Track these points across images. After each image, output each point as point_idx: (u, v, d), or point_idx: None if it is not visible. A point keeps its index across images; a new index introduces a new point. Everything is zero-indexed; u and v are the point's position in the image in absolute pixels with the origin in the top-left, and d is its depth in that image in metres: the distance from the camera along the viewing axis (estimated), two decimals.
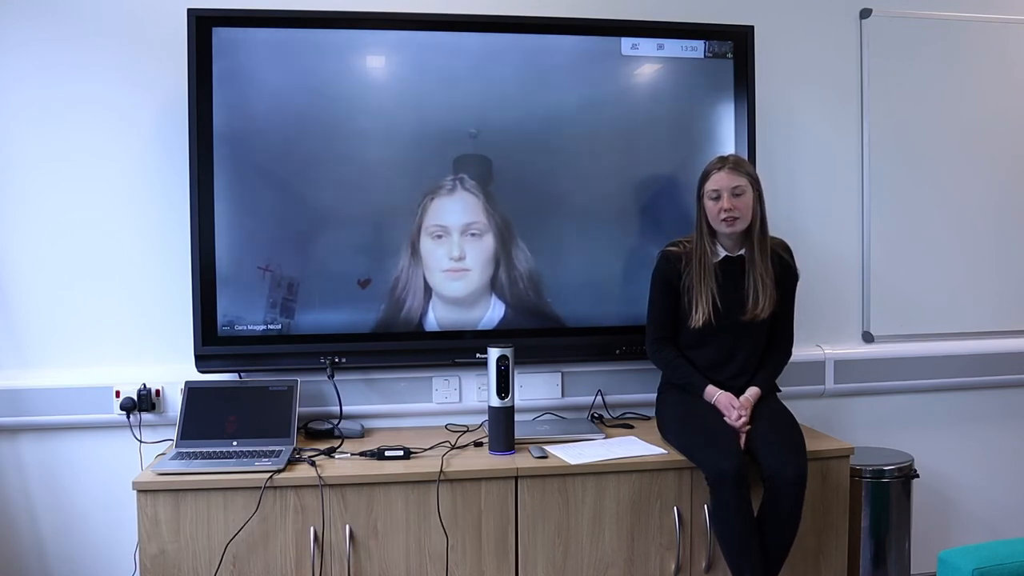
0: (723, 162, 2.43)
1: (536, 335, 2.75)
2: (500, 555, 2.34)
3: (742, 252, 2.46)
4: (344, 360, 2.66)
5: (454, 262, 2.71)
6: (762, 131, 2.86)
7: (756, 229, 2.43)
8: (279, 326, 2.64)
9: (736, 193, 2.38)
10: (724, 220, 2.39)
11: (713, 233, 2.47)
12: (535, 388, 2.85)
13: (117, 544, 2.66)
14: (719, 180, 2.40)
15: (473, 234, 2.72)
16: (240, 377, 2.66)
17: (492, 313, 2.75)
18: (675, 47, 2.81)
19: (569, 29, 2.74)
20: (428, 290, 2.71)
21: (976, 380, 3.12)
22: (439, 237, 2.70)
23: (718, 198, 2.40)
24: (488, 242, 2.73)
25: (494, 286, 2.74)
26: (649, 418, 2.76)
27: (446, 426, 2.78)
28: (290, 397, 2.53)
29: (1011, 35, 3.12)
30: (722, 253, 2.47)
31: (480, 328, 2.74)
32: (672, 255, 2.51)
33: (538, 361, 2.80)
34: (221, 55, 2.57)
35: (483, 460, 2.40)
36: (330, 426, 2.63)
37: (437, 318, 2.72)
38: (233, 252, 2.61)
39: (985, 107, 3.11)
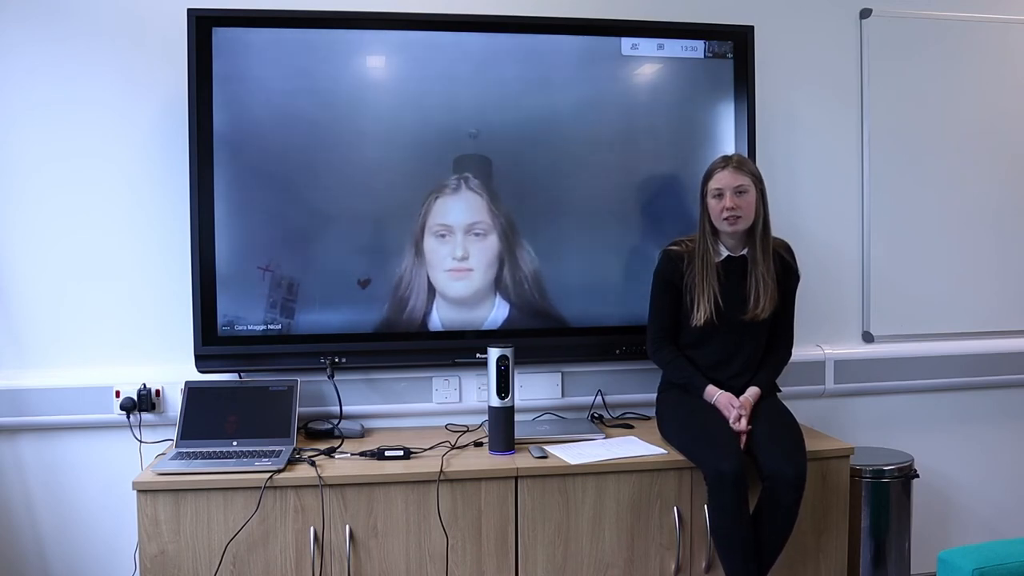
0: (727, 161, 2.43)
1: (536, 335, 2.75)
2: (500, 555, 2.34)
3: (744, 252, 2.46)
4: (344, 360, 2.66)
5: (457, 262, 2.71)
6: (762, 131, 2.86)
7: (759, 229, 2.43)
8: (279, 326, 2.64)
9: (739, 192, 2.39)
10: (727, 219, 2.39)
11: (716, 232, 2.47)
12: (535, 388, 2.85)
13: (117, 544, 2.66)
14: (722, 179, 2.40)
15: (477, 234, 2.71)
16: (240, 377, 2.66)
17: (496, 313, 2.75)
18: (675, 47, 2.81)
19: (569, 29, 2.74)
20: (432, 290, 2.71)
21: (976, 380, 3.12)
22: (442, 236, 2.70)
23: (721, 197, 2.40)
24: (492, 242, 2.73)
25: (498, 286, 2.74)
26: (649, 418, 2.76)
27: (446, 426, 2.78)
28: (290, 397, 2.53)
29: (1011, 35, 3.12)
30: (724, 253, 2.47)
31: (484, 328, 2.74)
32: (674, 254, 2.51)
33: (538, 361, 2.80)
34: (221, 55, 2.57)
35: (483, 460, 2.40)
36: (330, 426, 2.63)
37: (441, 318, 2.72)
38: (233, 252, 2.61)
39: (985, 107, 3.11)
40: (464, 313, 2.73)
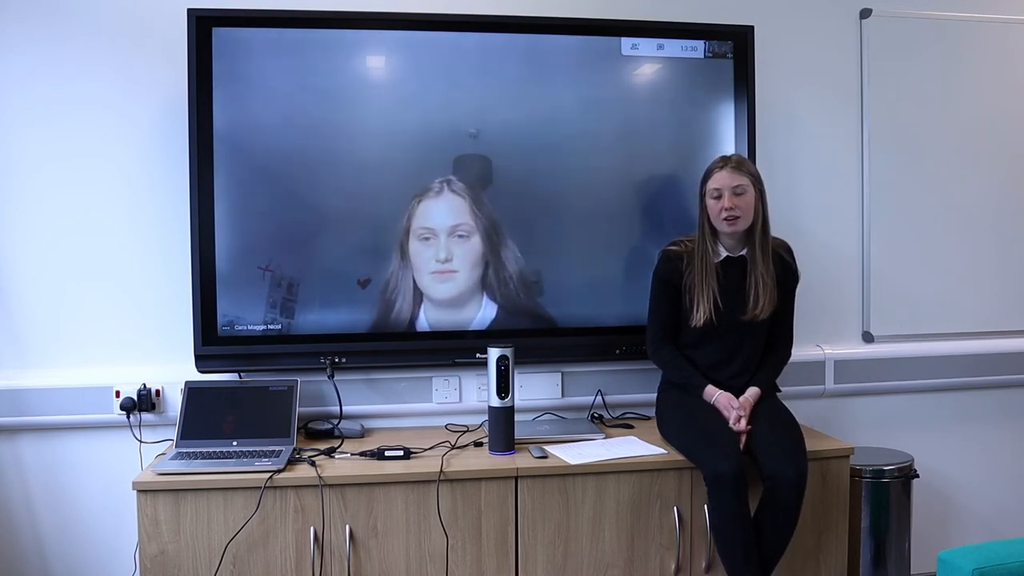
0: (725, 161, 2.43)
1: (536, 335, 2.75)
2: (500, 555, 2.34)
3: (743, 252, 2.46)
4: (344, 360, 2.66)
5: (441, 264, 2.71)
6: (762, 131, 2.86)
7: (758, 229, 2.43)
8: (279, 326, 2.64)
9: (738, 192, 2.39)
10: (725, 219, 2.39)
11: (715, 233, 2.47)
12: (535, 388, 2.85)
13: (117, 544, 2.66)
14: (721, 179, 2.40)
15: (460, 236, 2.71)
16: (240, 377, 2.66)
17: (484, 314, 2.74)
18: (675, 47, 2.81)
19: (569, 29, 2.74)
20: (419, 293, 2.70)
21: (976, 380, 3.12)
22: (426, 239, 2.70)
23: (720, 197, 2.40)
24: (475, 243, 2.72)
25: (484, 287, 2.74)
26: (649, 418, 2.76)
27: (446, 426, 2.78)
28: (290, 397, 2.53)
29: (1011, 35, 3.12)
30: (723, 253, 2.47)
31: (472, 329, 2.73)
32: (673, 254, 2.51)
33: (538, 361, 2.80)
34: (221, 55, 2.57)
35: (483, 460, 2.40)
36: (330, 426, 2.63)
37: (428, 320, 2.71)
38: (233, 252, 2.61)
39: (985, 107, 3.11)
40: (451, 314, 2.73)
